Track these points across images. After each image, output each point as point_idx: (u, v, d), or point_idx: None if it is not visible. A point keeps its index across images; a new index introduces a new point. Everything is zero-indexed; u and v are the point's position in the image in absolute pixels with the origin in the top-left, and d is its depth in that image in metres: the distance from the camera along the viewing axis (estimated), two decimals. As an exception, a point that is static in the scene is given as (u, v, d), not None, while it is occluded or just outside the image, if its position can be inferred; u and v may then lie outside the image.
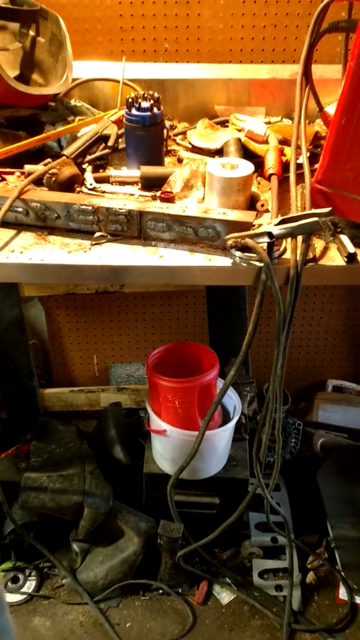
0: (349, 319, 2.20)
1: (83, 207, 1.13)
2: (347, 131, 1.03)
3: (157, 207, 1.13)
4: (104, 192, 1.29)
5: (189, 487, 1.63)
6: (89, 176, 1.32)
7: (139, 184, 1.33)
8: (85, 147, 1.36)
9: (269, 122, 1.51)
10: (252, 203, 1.21)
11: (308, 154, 1.20)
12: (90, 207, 1.13)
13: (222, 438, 1.57)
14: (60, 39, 1.44)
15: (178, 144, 1.53)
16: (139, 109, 1.29)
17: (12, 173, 1.32)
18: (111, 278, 1.11)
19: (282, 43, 1.64)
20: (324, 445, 2.06)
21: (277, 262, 1.09)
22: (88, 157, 1.38)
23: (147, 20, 1.59)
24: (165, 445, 1.57)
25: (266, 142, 1.39)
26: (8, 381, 2.02)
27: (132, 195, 1.30)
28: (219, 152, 1.44)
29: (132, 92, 1.43)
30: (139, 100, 1.30)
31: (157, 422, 1.53)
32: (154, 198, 1.27)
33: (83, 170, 1.34)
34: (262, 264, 1.05)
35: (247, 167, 1.17)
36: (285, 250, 1.10)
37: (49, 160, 1.30)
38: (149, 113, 1.29)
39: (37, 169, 1.25)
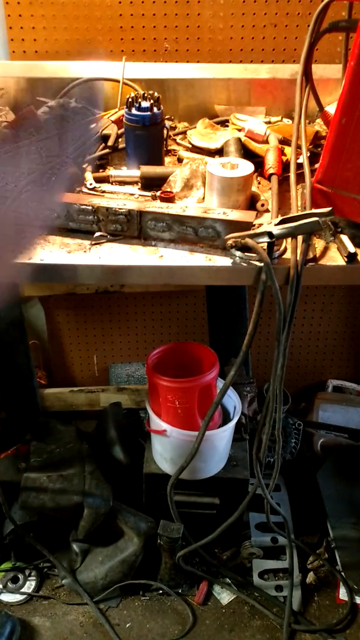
0: (349, 319, 2.20)
1: (83, 207, 1.13)
2: (347, 131, 1.03)
3: (157, 207, 1.13)
4: (104, 192, 1.29)
5: (189, 487, 1.63)
6: (89, 176, 1.32)
7: (139, 184, 1.33)
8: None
9: (269, 122, 1.50)
10: (252, 203, 1.21)
11: (308, 154, 1.20)
12: (90, 207, 1.13)
13: (222, 438, 1.57)
14: None
15: (178, 144, 1.53)
16: (139, 108, 1.29)
17: (12, 173, 1.32)
18: (111, 278, 1.11)
19: (282, 43, 1.64)
20: (324, 445, 2.06)
21: (277, 262, 1.09)
22: (88, 157, 1.38)
23: (147, 19, 1.59)
24: (165, 446, 1.57)
25: (266, 141, 1.38)
26: (8, 381, 2.02)
27: (132, 195, 1.30)
28: (219, 152, 1.44)
29: (132, 92, 1.43)
30: (139, 100, 1.30)
31: (157, 422, 1.53)
32: (154, 198, 1.27)
33: (83, 170, 1.34)
34: (262, 264, 1.05)
35: (247, 167, 1.17)
36: (285, 250, 1.10)
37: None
38: (149, 113, 1.29)
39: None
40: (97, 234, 1.16)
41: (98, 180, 1.32)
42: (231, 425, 1.54)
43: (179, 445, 1.51)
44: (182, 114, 1.64)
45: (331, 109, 1.35)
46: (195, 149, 1.47)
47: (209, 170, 1.16)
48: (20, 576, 1.75)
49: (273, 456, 1.43)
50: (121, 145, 1.39)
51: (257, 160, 1.32)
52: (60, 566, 1.73)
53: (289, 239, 1.09)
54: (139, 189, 1.32)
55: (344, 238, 1.12)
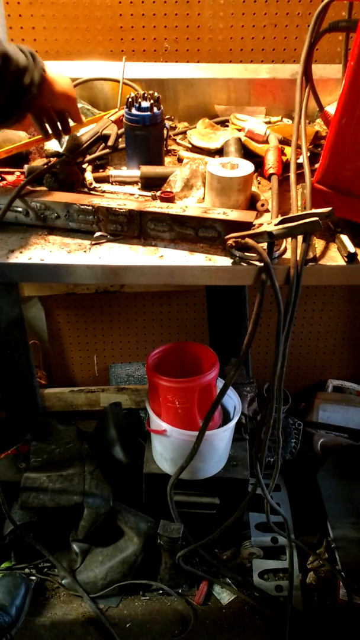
0: (349, 319, 2.20)
1: (83, 207, 1.13)
2: (347, 131, 1.03)
3: (157, 207, 1.13)
4: (104, 192, 1.29)
5: (189, 487, 1.63)
6: (89, 176, 1.32)
7: (139, 184, 1.33)
8: (85, 147, 1.35)
9: (269, 122, 1.51)
10: (252, 203, 1.21)
11: (308, 154, 1.20)
12: (90, 207, 1.13)
13: (222, 438, 1.57)
14: None
15: (178, 144, 1.53)
16: (139, 108, 1.29)
17: (12, 173, 1.32)
18: (111, 278, 1.11)
19: (282, 43, 1.64)
20: (324, 445, 2.06)
21: (277, 262, 1.09)
22: (88, 157, 1.38)
23: (147, 19, 1.59)
24: (165, 445, 1.57)
25: (266, 141, 1.38)
26: (8, 381, 2.02)
27: (132, 195, 1.30)
28: (219, 152, 1.44)
29: (132, 92, 1.43)
30: (139, 100, 1.30)
31: (157, 422, 1.53)
32: (154, 198, 1.27)
33: (83, 170, 1.34)
34: (262, 264, 1.05)
35: (247, 167, 1.17)
36: (285, 250, 1.10)
37: (49, 160, 1.30)
38: (149, 113, 1.29)
39: (37, 169, 1.24)
40: (97, 234, 1.16)
41: (98, 180, 1.33)
42: (231, 425, 1.54)
43: (179, 445, 1.51)
44: (182, 114, 1.65)
45: (331, 109, 1.35)
46: (195, 149, 1.47)
47: (209, 170, 1.16)
48: (20, 576, 1.76)
49: (273, 456, 1.43)
50: (121, 145, 1.39)
51: (257, 160, 1.32)
52: (60, 566, 1.73)
53: (289, 239, 1.09)
54: (139, 189, 1.32)
55: (344, 238, 1.12)
